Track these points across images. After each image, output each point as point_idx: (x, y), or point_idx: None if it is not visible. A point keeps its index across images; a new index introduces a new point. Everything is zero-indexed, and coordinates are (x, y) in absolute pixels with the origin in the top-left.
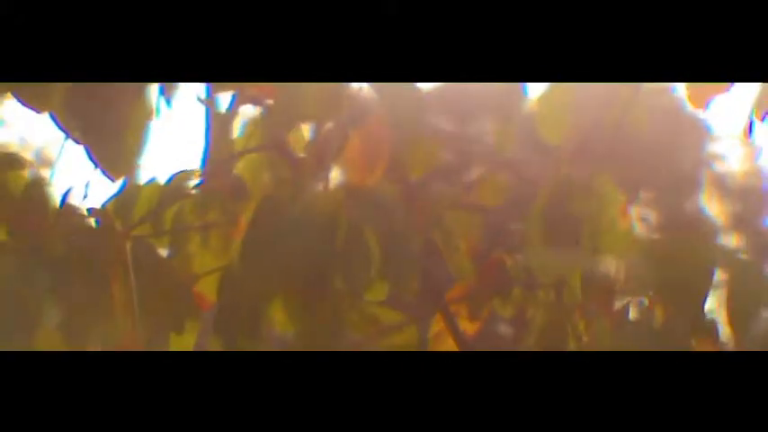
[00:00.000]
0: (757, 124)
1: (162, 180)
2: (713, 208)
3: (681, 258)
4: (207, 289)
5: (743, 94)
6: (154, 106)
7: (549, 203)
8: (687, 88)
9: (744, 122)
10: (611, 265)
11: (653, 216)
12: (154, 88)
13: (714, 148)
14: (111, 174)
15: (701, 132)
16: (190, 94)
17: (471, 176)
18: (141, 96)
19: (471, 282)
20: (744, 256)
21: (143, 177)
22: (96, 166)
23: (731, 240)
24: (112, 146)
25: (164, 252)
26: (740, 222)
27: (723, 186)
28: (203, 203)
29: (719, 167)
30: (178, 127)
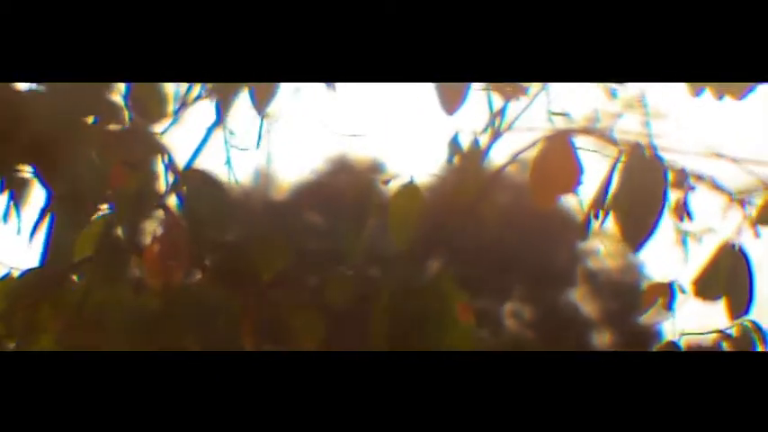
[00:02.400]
0: (594, 221)
1: None
2: (587, 304)
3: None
4: None
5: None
6: None
7: (392, 303)
8: (535, 184)
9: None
10: None
11: (526, 312)
12: None
13: (588, 244)
14: None
15: (577, 228)
16: None
17: (316, 280)
18: None
19: None
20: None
21: None
22: None
23: (605, 337)
24: None
25: None
26: (614, 319)
27: (597, 282)
28: None
29: (593, 264)
30: None
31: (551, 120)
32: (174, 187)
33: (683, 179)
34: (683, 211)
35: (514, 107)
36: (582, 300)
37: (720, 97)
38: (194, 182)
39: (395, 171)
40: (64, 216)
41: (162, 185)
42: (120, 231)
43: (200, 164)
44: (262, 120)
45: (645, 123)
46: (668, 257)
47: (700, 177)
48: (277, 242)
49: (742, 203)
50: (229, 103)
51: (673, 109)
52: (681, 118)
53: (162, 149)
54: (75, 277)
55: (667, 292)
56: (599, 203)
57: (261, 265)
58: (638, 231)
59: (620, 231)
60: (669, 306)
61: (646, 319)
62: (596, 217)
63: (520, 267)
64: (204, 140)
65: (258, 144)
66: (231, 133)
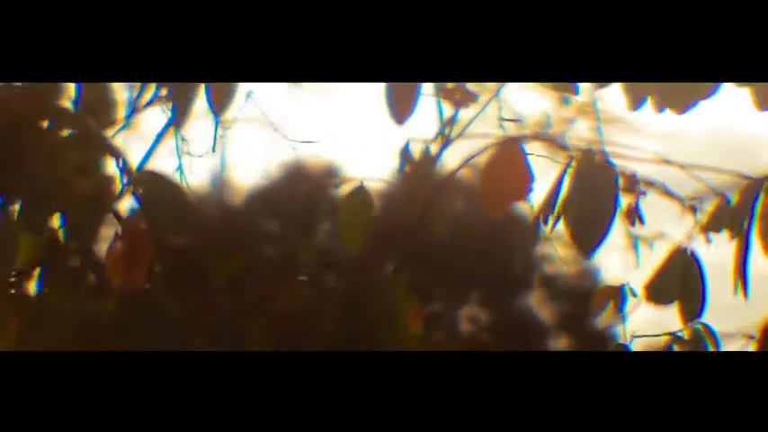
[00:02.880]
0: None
1: None
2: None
3: None
4: None
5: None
6: None
7: (343, 307)
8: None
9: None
10: None
11: (482, 316)
12: None
13: (544, 249)
14: None
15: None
16: None
17: (268, 285)
18: None
19: None
20: None
21: None
22: None
23: (560, 341)
24: None
25: None
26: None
27: (552, 287)
28: None
29: (549, 269)
30: None
31: (502, 126)
32: (129, 189)
33: (634, 184)
34: (635, 215)
35: (465, 114)
36: (538, 304)
37: (661, 110)
38: (150, 183)
39: (348, 176)
40: (15, 221)
41: (117, 188)
42: (72, 236)
43: (153, 167)
44: (217, 123)
45: (596, 129)
46: (623, 263)
47: (650, 183)
48: (228, 247)
49: (693, 209)
50: (182, 109)
51: (624, 115)
52: (631, 124)
53: (115, 152)
54: (25, 283)
55: (618, 296)
56: (549, 208)
57: (212, 271)
58: (589, 236)
59: (571, 236)
60: (620, 309)
61: (601, 322)
62: (545, 222)
63: (475, 272)
64: (154, 145)
65: (213, 148)
66: (183, 139)
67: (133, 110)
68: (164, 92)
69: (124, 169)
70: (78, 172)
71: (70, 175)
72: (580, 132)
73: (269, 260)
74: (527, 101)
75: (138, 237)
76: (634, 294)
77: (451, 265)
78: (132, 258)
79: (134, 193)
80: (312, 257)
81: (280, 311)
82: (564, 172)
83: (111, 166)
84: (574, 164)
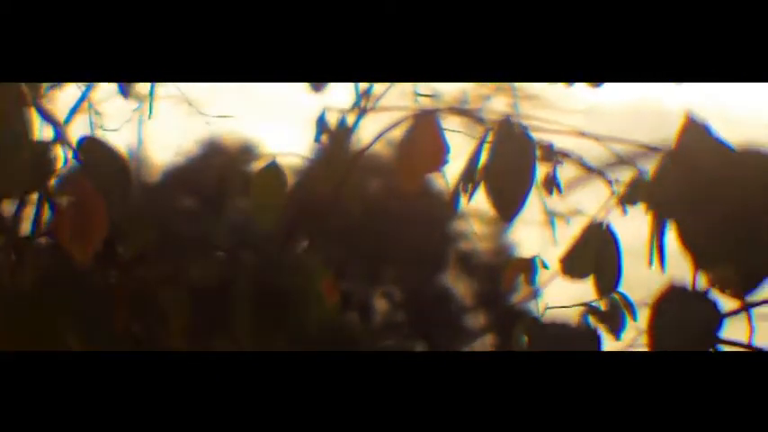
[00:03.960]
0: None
1: None
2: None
3: None
4: None
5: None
6: None
7: (257, 282)
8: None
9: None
10: None
11: (397, 293)
12: None
13: (458, 226)
14: None
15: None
16: None
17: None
18: None
19: None
20: None
21: None
22: None
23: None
24: None
25: None
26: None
27: (468, 264)
28: None
29: (464, 246)
30: None
31: (417, 100)
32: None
33: (551, 154)
34: (553, 184)
35: (381, 87)
36: (453, 281)
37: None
38: (95, 152)
39: (263, 152)
40: None
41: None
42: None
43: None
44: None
45: (513, 105)
46: (540, 239)
47: (567, 155)
48: (141, 221)
49: (608, 182)
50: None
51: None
52: (548, 100)
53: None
54: None
55: (529, 268)
56: (467, 178)
57: (124, 243)
58: (508, 203)
59: (491, 203)
60: (531, 281)
61: (516, 299)
62: (465, 190)
63: (390, 249)
64: (68, 119)
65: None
66: (97, 113)
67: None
68: None
69: (61, 137)
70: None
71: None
72: (497, 108)
73: (183, 236)
74: None
75: (90, 206)
76: (545, 267)
77: (366, 242)
78: (87, 229)
79: (79, 161)
80: (225, 234)
81: (195, 284)
82: (482, 142)
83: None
84: (491, 135)
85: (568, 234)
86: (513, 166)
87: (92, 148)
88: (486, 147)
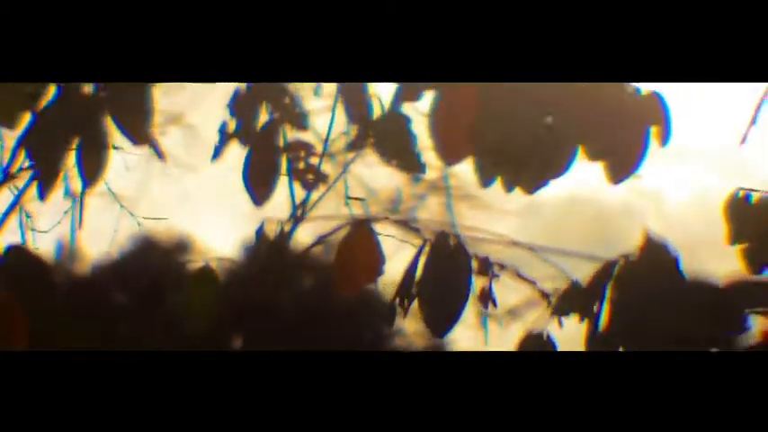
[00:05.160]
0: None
1: None
2: None
3: None
4: None
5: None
6: None
7: None
8: (338, 273)
9: None
10: None
11: None
12: None
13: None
14: None
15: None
16: None
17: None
18: None
19: None
20: None
21: None
22: None
23: None
24: None
25: None
26: None
27: None
28: None
29: (400, 344)
30: None
31: (347, 204)
32: None
33: (487, 267)
34: (488, 298)
35: (317, 194)
36: None
37: (510, 189)
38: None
39: (198, 253)
40: None
41: None
42: None
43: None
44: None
45: (447, 206)
46: (473, 339)
47: (503, 266)
48: (80, 319)
49: (544, 294)
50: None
51: (474, 192)
52: (482, 200)
53: None
54: None
55: None
56: (404, 292)
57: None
58: (442, 318)
59: (424, 318)
60: None
61: None
62: (402, 305)
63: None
64: None
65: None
66: (27, 216)
67: None
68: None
69: None
70: None
71: None
72: (431, 208)
73: (119, 334)
74: (378, 178)
75: (10, 313)
76: None
77: (300, 344)
78: (7, 337)
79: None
80: (160, 332)
81: None
82: (418, 254)
83: None
84: (427, 247)
85: (501, 334)
86: (449, 282)
87: (17, 258)
88: (423, 260)
